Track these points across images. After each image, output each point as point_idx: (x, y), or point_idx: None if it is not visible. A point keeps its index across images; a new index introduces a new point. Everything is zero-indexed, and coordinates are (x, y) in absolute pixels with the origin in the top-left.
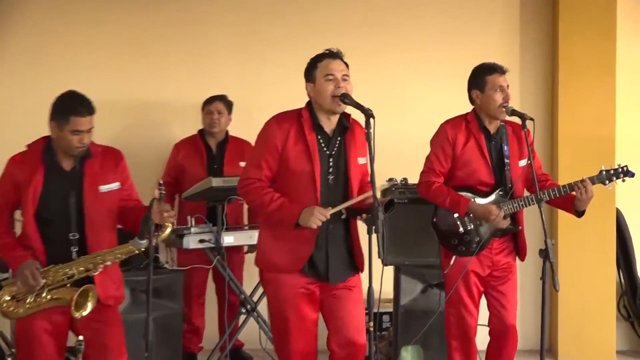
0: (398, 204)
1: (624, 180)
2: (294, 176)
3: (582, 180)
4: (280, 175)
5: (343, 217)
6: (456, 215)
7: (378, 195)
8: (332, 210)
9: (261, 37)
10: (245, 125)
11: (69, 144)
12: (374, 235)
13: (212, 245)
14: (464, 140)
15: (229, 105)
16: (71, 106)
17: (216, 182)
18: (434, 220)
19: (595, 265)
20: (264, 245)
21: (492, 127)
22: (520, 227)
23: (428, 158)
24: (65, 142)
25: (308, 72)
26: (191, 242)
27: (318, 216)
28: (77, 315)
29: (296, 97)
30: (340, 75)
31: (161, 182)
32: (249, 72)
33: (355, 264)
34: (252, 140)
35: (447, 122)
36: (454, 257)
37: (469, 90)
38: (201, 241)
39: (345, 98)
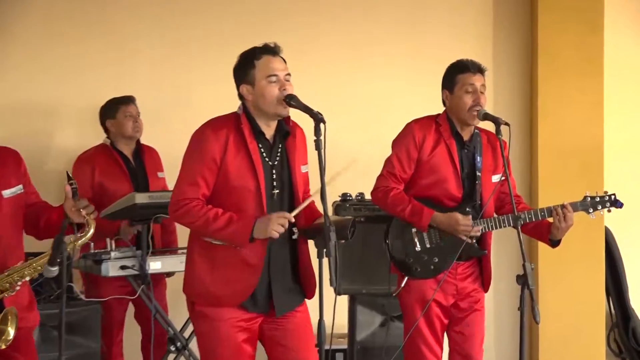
0: None
1: (609, 211)
2: (235, 193)
3: (563, 206)
4: (218, 192)
5: (294, 237)
6: (414, 230)
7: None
8: (294, 213)
9: (181, 31)
10: (154, 132)
11: None
12: (325, 260)
13: (136, 272)
14: (432, 143)
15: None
16: None
17: (140, 198)
18: (387, 234)
19: (582, 293)
20: (199, 274)
21: (465, 134)
22: (486, 252)
23: (389, 160)
24: None
25: (243, 72)
26: (111, 268)
27: (278, 221)
28: (4, 345)
29: (213, 100)
30: (283, 75)
31: (70, 174)
32: (158, 71)
33: (303, 290)
34: (160, 149)
35: (415, 121)
36: (405, 279)
37: (442, 91)
38: (123, 267)
39: (292, 100)
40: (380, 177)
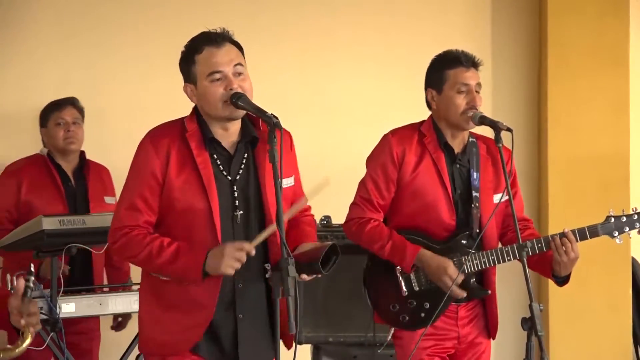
0: None
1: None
2: (182, 218)
3: (563, 234)
4: (163, 218)
5: (268, 275)
6: (399, 269)
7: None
8: (254, 243)
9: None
10: (95, 144)
11: None
12: (282, 300)
13: (45, 317)
14: (415, 159)
15: (82, 113)
16: None
17: (49, 223)
18: (366, 276)
19: (603, 341)
20: (146, 318)
21: (456, 144)
22: (489, 292)
23: (362, 184)
24: None
25: (185, 68)
26: None
27: (233, 254)
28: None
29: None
30: (230, 69)
31: (32, 267)
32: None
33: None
34: (108, 164)
35: (392, 132)
36: (392, 330)
37: (425, 89)
38: None
39: (239, 100)
40: (353, 206)
